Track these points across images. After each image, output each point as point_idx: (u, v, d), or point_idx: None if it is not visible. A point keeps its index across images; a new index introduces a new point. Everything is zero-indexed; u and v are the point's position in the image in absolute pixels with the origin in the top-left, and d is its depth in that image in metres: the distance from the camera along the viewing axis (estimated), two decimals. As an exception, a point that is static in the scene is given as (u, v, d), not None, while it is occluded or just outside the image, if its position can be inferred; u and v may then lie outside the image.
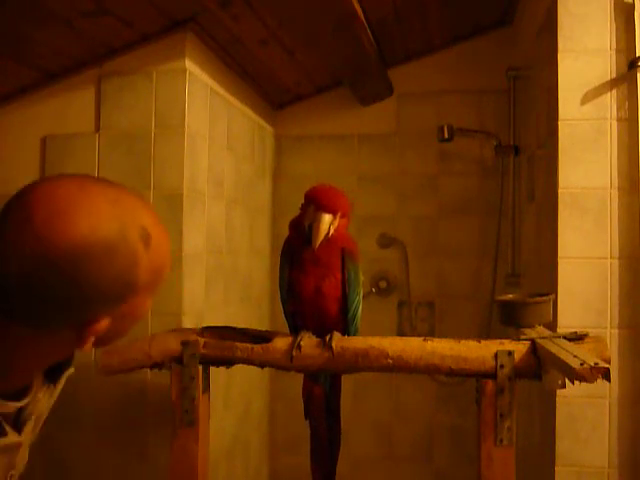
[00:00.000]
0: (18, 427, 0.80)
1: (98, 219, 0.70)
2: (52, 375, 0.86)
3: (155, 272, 0.78)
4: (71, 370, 0.89)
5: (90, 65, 1.71)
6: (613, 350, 1.48)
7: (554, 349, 1.12)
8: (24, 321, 0.72)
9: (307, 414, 1.49)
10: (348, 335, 1.37)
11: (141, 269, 0.74)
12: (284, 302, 1.42)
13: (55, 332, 0.74)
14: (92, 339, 0.76)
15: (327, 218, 1.24)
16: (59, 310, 0.71)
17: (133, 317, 0.81)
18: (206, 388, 1.42)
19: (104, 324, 0.75)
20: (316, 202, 1.27)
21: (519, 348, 1.22)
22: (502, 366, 1.21)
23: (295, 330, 1.40)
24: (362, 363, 1.27)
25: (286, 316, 1.44)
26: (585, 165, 1.53)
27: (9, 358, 0.76)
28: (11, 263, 0.68)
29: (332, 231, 1.27)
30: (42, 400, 0.85)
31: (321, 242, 1.26)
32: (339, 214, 1.27)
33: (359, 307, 1.39)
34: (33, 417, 0.83)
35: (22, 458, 0.84)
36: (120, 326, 0.79)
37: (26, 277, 0.68)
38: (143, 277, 0.75)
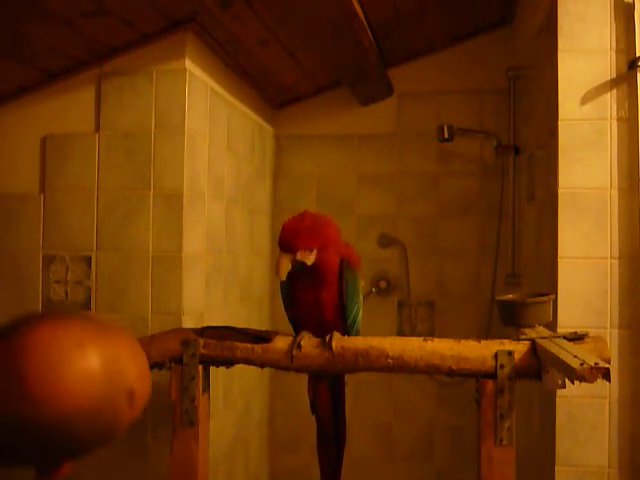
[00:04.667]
0: None
1: (91, 386, 0.68)
2: None
3: (135, 417, 0.76)
4: None
5: (90, 65, 1.71)
6: (613, 350, 1.48)
7: (554, 349, 1.12)
8: None
9: (313, 409, 1.49)
10: None
11: (121, 425, 0.73)
12: (286, 309, 1.43)
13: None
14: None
15: (284, 258, 1.25)
16: (30, 458, 0.69)
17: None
18: (206, 388, 1.42)
19: (70, 467, 0.74)
20: (278, 239, 1.27)
21: (519, 348, 1.22)
22: (502, 366, 1.21)
23: (296, 332, 1.40)
24: (362, 363, 1.27)
25: (289, 320, 1.45)
26: (585, 165, 1.53)
27: None
28: None
29: (312, 261, 1.27)
30: None
31: (312, 265, 1.27)
32: (309, 249, 1.26)
33: (358, 314, 1.39)
34: None
35: None
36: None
37: (5, 431, 0.65)
38: (120, 430, 0.74)
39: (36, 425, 0.65)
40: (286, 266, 1.25)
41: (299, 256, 1.25)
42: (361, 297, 1.40)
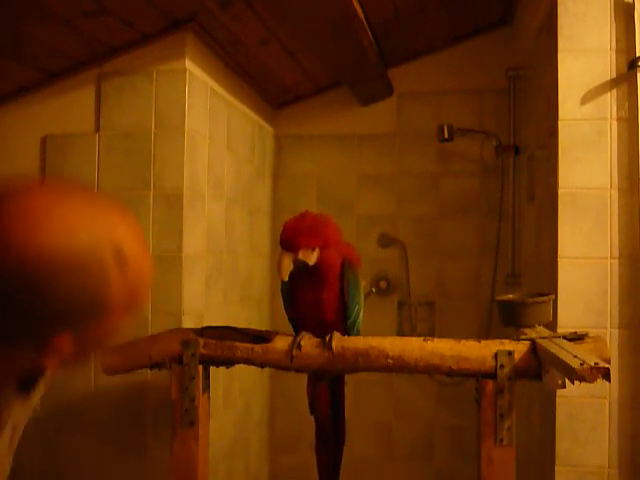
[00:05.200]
0: None
1: (68, 231, 0.66)
2: (27, 384, 0.82)
3: (130, 295, 0.73)
4: (47, 379, 0.85)
5: (90, 65, 1.71)
6: (613, 350, 1.48)
7: (554, 349, 1.12)
8: None
9: (312, 410, 1.49)
10: None
11: (112, 290, 0.70)
12: (287, 308, 1.43)
13: (11, 347, 0.70)
14: (54, 357, 0.71)
15: (286, 257, 1.25)
16: (19, 322, 0.67)
17: (102, 338, 0.76)
18: (206, 388, 1.42)
19: (67, 342, 0.70)
20: (280, 239, 1.27)
21: (519, 348, 1.22)
22: (502, 366, 1.21)
23: (296, 332, 1.40)
24: (362, 363, 1.27)
25: (289, 320, 1.45)
26: (585, 165, 1.53)
27: None
28: None
29: (314, 261, 1.27)
30: (16, 411, 0.81)
31: (314, 265, 1.26)
32: (311, 249, 1.26)
33: (359, 314, 1.39)
34: (8, 427, 0.81)
35: (1, 471, 0.83)
36: (86, 347, 0.75)
37: None
38: (114, 299, 0.70)
39: (12, 275, 0.63)
40: (288, 266, 1.25)
41: (301, 255, 1.25)
42: (362, 297, 1.40)
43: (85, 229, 0.67)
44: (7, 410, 0.80)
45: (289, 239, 1.25)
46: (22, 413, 0.84)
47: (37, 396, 0.86)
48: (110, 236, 0.69)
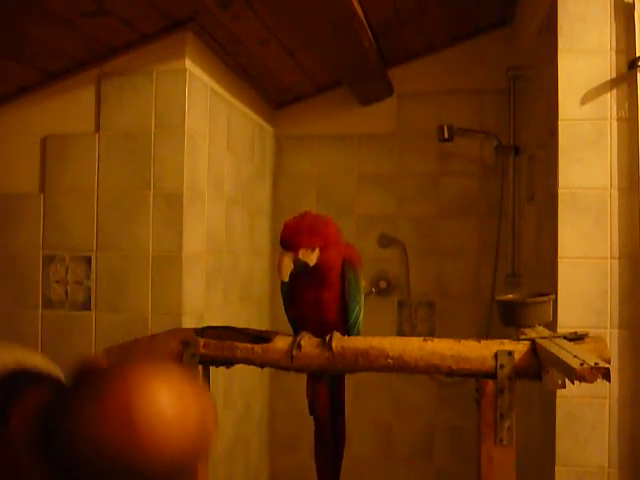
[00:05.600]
0: None
1: (188, 436, 0.70)
2: None
3: (204, 454, 0.79)
4: None
5: (90, 65, 1.71)
6: (613, 350, 1.48)
7: (554, 349, 1.12)
8: None
9: (312, 410, 1.49)
10: None
11: (196, 460, 0.76)
12: (287, 308, 1.42)
13: None
14: None
15: (287, 257, 1.24)
16: None
17: None
18: (206, 388, 1.42)
19: None
20: (280, 238, 1.26)
21: (519, 348, 1.22)
22: (502, 366, 1.20)
23: (296, 332, 1.40)
24: (362, 363, 1.27)
25: (289, 321, 1.45)
26: (585, 165, 1.52)
27: None
28: (96, 455, 0.67)
29: (314, 261, 1.26)
30: None
31: (314, 266, 1.26)
32: (311, 248, 1.25)
33: (360, 314, 1.39)
34: None
35: None
36: None
37: (104, 470, 0.67)
38: (194, 465, 0.78)
39: (131, 467, 0.67)
40: (288, 266, 1.24)
41: (301, 255, 1.25)
42: (363, 297, 1.40)
43: (195, 425, 0.72)
44: None
45: (289, 239, 1.25)
46: None
47: None
48: (208, 428, 0.75)
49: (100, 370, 0.73)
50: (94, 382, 0.71)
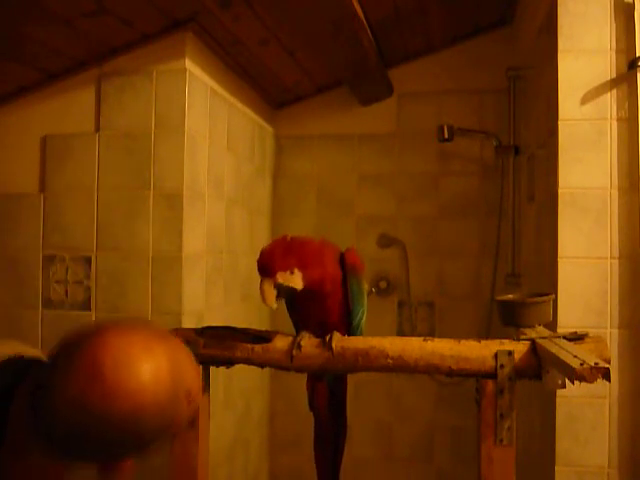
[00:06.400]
0: None
1: (160, 384, 0.75)
2: None
3: (190, 418, 0.83)
4: None
5: (90, 65, 1.71)
6: (613, 350, 1.48)
7: (554, 349, 1.12)
8: (61, 458, 0.77)
9: (311, 406, 1.49)
10: None
11: (178, 422, 0.80)
12: (289, 312, 1.42)
13: (83, 466, 0.79)
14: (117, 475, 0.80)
15: (266, 283, 1.22)
16: (99, 453, 0.76)
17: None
18: (206, 388, 1.41)
19: (131, 465, 0.80)
20: (257, 266, 1.25)
21: (519, 348, 1.22)
22: (502, 366, 1.20)
23: (298, 331, 1.40)
24: (362, 363, 1.27)
25: (290, 317, 1.45)
26: (585, 165, 1.52)
27: None
28: (72, 413, 0.71)
29: (301, 285, 1.23)
30: None
31: (304, 289, 1.24)
32: (289, 271, 1.22)
33: (363, 316, 1.39)
34: None
35: None
36: (144, 459, 0.83)
37: (82, 426, 0.71)
38: (178, 427, 0.81)
39: (109, 420, 0.71)
40: (270, 292, 1.22)
41: (280, 279, 1.22)
42: (366, 300, 1.40)
43: (170, 381, 0.76)
44: None
45: (264, 264, 1.23)
46: None
47: None
48: (185, 380, 0.79)
49: (75, 334, 0.77)
50: (68, 346, 0.76)
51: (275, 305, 1.23)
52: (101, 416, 0.71)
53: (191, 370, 0.82)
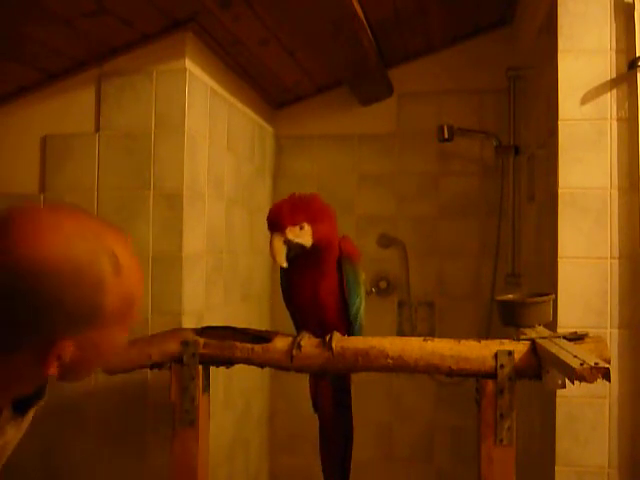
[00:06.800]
0: None
1: (69, 240, 0.73)
2: (21, 407, 0.85)
3: (124, 302, 0.78)
4: (41, 402, 0.88)
5: (90, 65, 1.71)
6: (613, 350, 1.48)
7: (554, 349, 1.13)
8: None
9: (315, 408, 1.49)
10: (352, 333, 1.37)
11: (108, 295, 0.75)
12: (286, 302, 1.42)
13: (15, 354, 0.74)
14: (55, 364, 0.75)
15: (276, 238, 1.22)
16: (22, 328, 0.72)
17: (101, 349, 0.80)
18: (206, 388, 1.42)
19: (68, 349, 0.75)
20: (267, 221, 1.25)
21: (519, 348, 1.22)
22: (502, 366, 1.21)
23: (298, 330, 1.40)
24: (362, 363, 1.27)
25: (290, 315, 1.45)
26: (585, 165, 1.53)
27: None
28: None
29: (310, 242, 1.23)
30: (9, 432, 0.83)
31: (312, 247, 1.24)
32: (299, 226, 1.22)
33: (361, 306, 1.38)
34: None
35: None
36: (87, 357, 0.78)
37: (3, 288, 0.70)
38: (110, 304, 0.76)
39: (21, 274, 0.70)
40: (280, 248, 1.21)
41: (290, 234, 1.21)
42: (363, 290, 1.39)
43: (84, 241, 0.74)
44: (1, 430, 0.81)
45: (274, 218, 1.23)
46: (15, 433, 0.85)
47: (28, 419, 0.87)
48: (106, 247, 0.76)
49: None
50: None
51: (285, 263, 1.22)
52: (8, 274, 0.69)
53: (115, 237, 0.79)
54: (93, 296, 0.74)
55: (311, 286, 1.32)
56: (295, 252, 1.24)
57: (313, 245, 1.24)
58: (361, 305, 1.38)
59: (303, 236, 1.23)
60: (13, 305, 0.70)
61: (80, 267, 0.72)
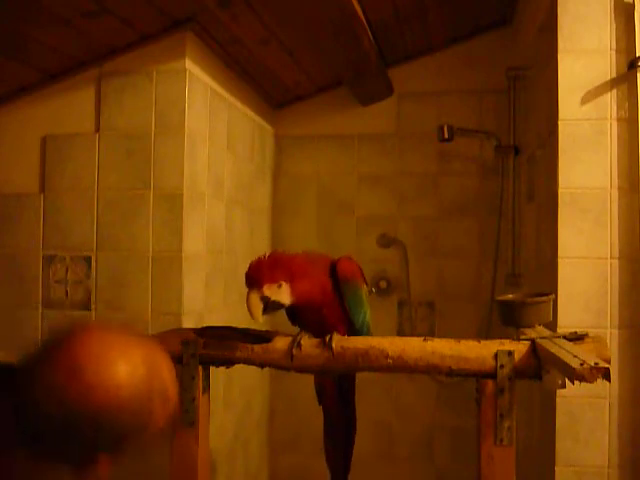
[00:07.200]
0: None
1: (133, 383, 0.79)
2: None
3: (166, 419, 0.86)
4: None
5: (90, 65, 1.71)
6: (613, 350, 1.48)
7: (554, 349, 1.12)
8: (42, 456, 0.80)
9: (320, 401, 1.49)
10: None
11: (154, 423, 0.83)
12: (289, 317, 1.42)
13: (60, 466, 0.82)
14: (93, 476, 0.83)
15: (252, 294, 1.22)
16: (77, 449, 0.79)
17: (133, 452, 0.88)
18: (206, 388, 1.42)
19: (106, 463, 0.84)
20: (245, 277, 1.25)
21: (519, 348, 1.22)
22: (502, 366, 1.21)
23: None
24: (362, 363, 1.27)
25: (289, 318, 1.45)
26: (585, 165, 1.53)
27: None
28: (53, 406, 0.75)
29: (288, 300, 1.22)
30: None
31: (293, 304, 1.24)
32: (276, 284, 1.21)
33: (366, 317, 1.38)
34: None
35: None
36: (120, 460, 0.87)
37: (63, 419, 0.75)
38: (153, 428, 0.84)
39: (86, 413, 0.75)
40: (257, 304, 1.21)
41: (267, 292, 1.21)
42: (366, 303, 1.39)
43: (145, 379, 0.81)
44: None
45: (252, 274, 1.23)
46: None
47: None
48: (162, 381, 0.83)
49: (57, 334, 0.82)
50: (50, 344, 0.80)
51: (261, 319, 1.22)
52: (79, 410, 0.74)
53: (167, 374, 0.85)
54: (141, 424, 0.82)
55: (313, 312, 1.32)
56: (273, 309, 1.24)
57: (294, 304, 1.25)
58: (366, 316, 1.38)
59: (281, 294, 1.23)
60: (76, 432, 0.76)
61: (137, 402, 0.79)
